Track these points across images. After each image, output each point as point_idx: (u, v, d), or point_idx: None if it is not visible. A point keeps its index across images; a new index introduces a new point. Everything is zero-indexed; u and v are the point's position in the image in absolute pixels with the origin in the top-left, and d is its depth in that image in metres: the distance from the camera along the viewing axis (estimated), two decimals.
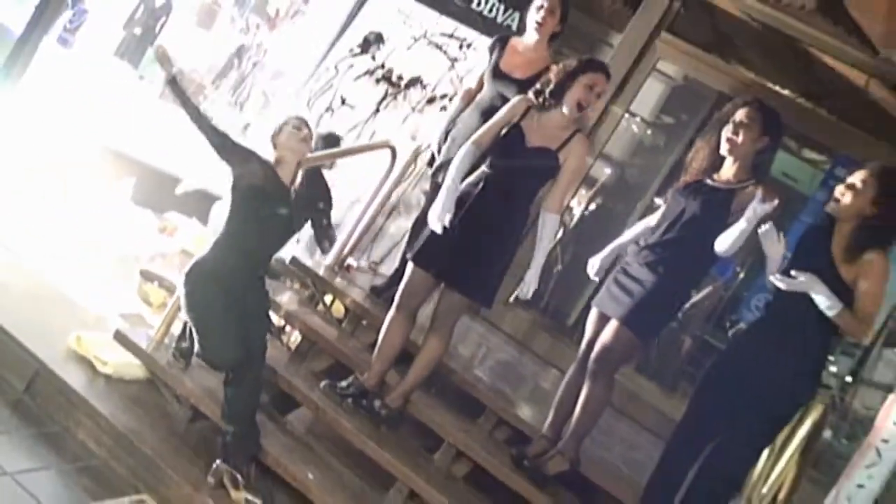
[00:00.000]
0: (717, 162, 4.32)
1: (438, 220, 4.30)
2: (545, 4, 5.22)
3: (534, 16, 5.25)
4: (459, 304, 4.47)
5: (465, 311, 4.63)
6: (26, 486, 3.59)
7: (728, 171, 4.27)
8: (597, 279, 4.59)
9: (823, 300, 3.80)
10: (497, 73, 5.26)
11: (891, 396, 4.21)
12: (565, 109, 4.41)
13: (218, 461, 4.02)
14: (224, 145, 4.28)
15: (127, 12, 8.43)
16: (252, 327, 4.28)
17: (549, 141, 4.40)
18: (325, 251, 6.19)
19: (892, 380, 7.32)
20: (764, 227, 3.94)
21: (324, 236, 6.36)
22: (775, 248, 3.94)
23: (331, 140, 6.68)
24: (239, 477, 3.97)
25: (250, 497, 3.94)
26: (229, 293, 4.20)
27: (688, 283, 4.48)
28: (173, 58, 4.40)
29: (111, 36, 8.55)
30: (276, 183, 4.29)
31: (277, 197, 4.29)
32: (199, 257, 4.26)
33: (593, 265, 4.60)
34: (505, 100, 5.10)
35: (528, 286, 4.38)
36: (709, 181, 4.30)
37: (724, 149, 4.26)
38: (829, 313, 3.81)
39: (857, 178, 3.95)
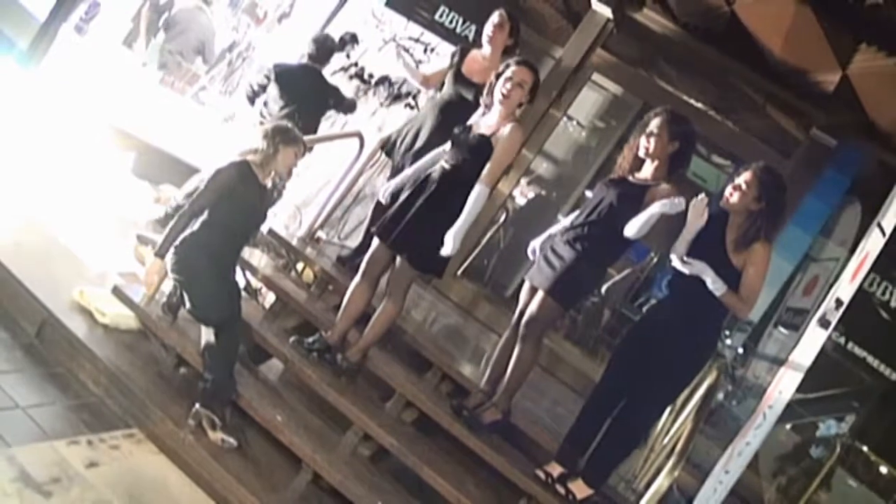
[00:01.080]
0: (639, 163, 4.38)
1: (385, 192, 4.59)
2: (496, 20, 5.28)
3: (486, 31, 5.31)
4: (410, 273, 4.48)
5: (416, 279, 4.63)
6: (35, 418, 3.59)
7: (647, 171, 4.33)
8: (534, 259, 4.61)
9: (711, 282, 3.93)
10: (459, 77, 5.30)
11: (781, 370, 4.31)
12: (496, 101, 4.44)
13: (197, 405, 4.01)
14: (203, 203, 4.19)
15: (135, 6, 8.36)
16: (233, 292, 4.31)
17: (487, 130, 4.43)
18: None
19: (776, 353, 7.48)
20: (698, 199, 4.07)
21: (345, 111, 6.91)
22: (699, 220, 4.06)
23: (324, 43, 6.78)
24: (216, 419, 3.98)
25: (226, 437, 3.94)
26: (215, 263, 4.23)
27: (602, 259, 4.46)
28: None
29: (120, 26, 8.46)
30: (253, 183, 4.27)
31: (253, 195, 4.29)
32: (189, 233, 4.21)
33: (533, 248, 4.63)
34: (462, 98, 5.14)
35: (448, 245, 4.29)
36: (630, 178, 4.37)
37: (641, 153, 4.32)
38: (717, 293, 3.93)
39: (742, 179, 4.07)
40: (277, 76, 6.50)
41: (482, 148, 4.39)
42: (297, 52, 7.93)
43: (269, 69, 6.59)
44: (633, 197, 4.23)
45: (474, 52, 5.42)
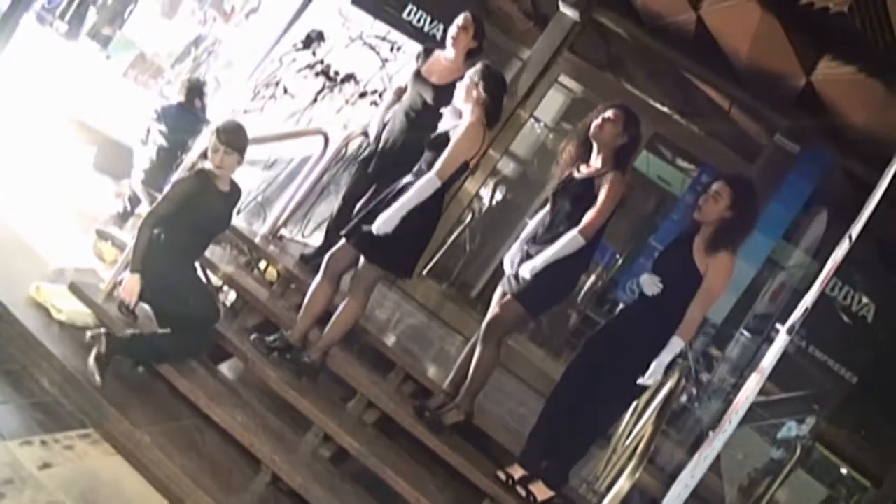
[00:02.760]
0: (585, 154, 4.37)
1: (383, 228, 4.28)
2: (459, 23, 5.27)
3: (450, 33, 5.29)
4: (376, 272, 4.44)
5: (380, 279, 4.59)
6: None
7: (595, 161, 4.32)
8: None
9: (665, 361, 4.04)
10: (418, 77, 5.28)
11: (752, 376, 4.31)
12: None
13: (104, 331, 4.07)
14: (163, 213, 4.22)
15: None
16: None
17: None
18: None
19: (740, 357, 7.54)
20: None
21: None
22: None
23: (194, 84, 6.96)
24: (103, 353, 3.98)
25: (97, 372, 3.94)
26: (189, 266, 4.36)
27: (573, 269, 4.40)
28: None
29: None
30: (211, 191, 4.31)
31: (213, 202, 4.33)
32: (155, 242, 4.22)
33: (511, 262, 4.49)
34: (423, 100, 5.11)
35: (376, 223, 4.26)
36: (576, 174, 4.36)
37: (591, 133, 4.30)
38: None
39: (715, 188, 4.09)
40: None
41: (442, 144, 4.38)
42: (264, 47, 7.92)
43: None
44: (584, 192, 4.24)
45: (437, 53, 5.40)
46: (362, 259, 4.40)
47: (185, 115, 6.78)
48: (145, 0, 8.75)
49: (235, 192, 4.51)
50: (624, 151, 4.30)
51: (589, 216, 4.17)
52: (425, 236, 4.57)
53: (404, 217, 4.27)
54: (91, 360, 3.96)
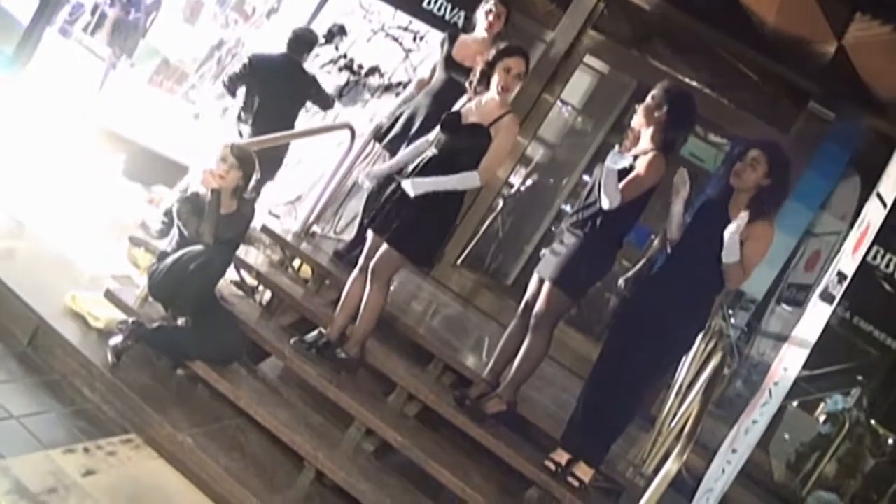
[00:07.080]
0: (637, 139, 4.30)
1: (366, 178, 4.67)
2: (493, 10, 5.26)
3: (483, 19, 5.28)
4: (396, 259, 4.35)
5: (401, 265, 4.48)
6: (29, 427, 3.52)
7: (644, 142, 4.24)
8: None
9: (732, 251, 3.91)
10: (450, 62, 5.26)
11: (784, 346, 4.26)
12: (494, 94, 4.33)
13: (136, 322, 4.23)
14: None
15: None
16: None
17: (482, 118, 4.31)
18: None
19: (780, 330, 7.41)
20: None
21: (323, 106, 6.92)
22: (683, 191, 4.19)
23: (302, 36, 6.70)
24: (127, 344, 4.13)
25: (114, 355, 4.09)
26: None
27: (605, 241, 4.29)
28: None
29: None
30: (213, 211, 4.38)
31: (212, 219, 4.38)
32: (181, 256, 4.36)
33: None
34: (456, 83, 5.06)
35: (408, 184, 4.20)
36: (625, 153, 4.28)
37: (634, 122, 4.26)
38: (728, 260, 3.91)
39: (752, 155, 4.05)
40: (255, 66, 6.43)
41: (479, 138, 4.28)
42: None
43: (246, 59, 6.53)
44: (620, 170, 4.14)
45: (464, 38, 5.39)
46: (384, 246, 4.34)
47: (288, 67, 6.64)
48: (167, 7, 8.77)
49: (245, 212, 4.55)
50: (669, 124, 4.16)
51: (623, 182, 4.07)
52: (447, 225, 4.54)
53: (426, 205, 4.22)
54: (110, 342, 4.11)
